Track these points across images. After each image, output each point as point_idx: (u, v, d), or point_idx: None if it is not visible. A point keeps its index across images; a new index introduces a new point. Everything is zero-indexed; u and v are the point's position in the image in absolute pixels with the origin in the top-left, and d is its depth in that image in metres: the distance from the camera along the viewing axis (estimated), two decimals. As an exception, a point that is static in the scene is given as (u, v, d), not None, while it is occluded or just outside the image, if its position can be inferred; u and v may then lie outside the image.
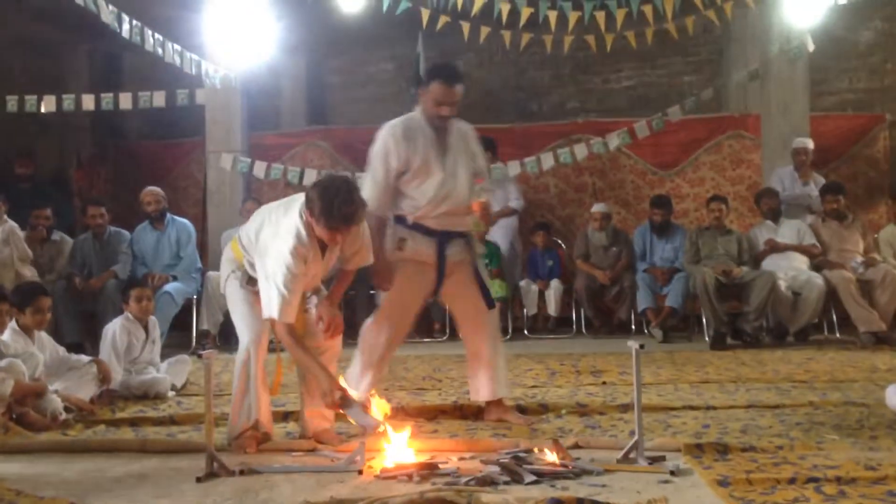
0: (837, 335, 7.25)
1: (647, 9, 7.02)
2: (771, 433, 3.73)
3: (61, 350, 4.91)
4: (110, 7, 6.24)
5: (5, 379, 4.08)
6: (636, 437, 3.25)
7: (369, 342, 4.19)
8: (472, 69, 10.37)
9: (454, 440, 3.75)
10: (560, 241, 8.53)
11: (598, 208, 8.06)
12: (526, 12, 7.03)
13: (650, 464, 3.20)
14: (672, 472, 3.08)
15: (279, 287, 3.48)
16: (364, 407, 3.57)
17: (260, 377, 3.69)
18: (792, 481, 2.87)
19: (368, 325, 4.23)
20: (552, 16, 7.06)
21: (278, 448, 3.70)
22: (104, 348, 5.17)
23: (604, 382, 5.20)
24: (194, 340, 7.25)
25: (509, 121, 9.40)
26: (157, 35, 6.81)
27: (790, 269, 7.07)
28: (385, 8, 6.98)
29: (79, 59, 9.83)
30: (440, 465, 3.21)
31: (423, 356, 6.65)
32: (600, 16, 7.09)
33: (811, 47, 7.93)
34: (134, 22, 6.52)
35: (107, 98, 7.59)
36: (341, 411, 3.61)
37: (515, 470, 3.09)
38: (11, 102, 7.42)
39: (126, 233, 7.48)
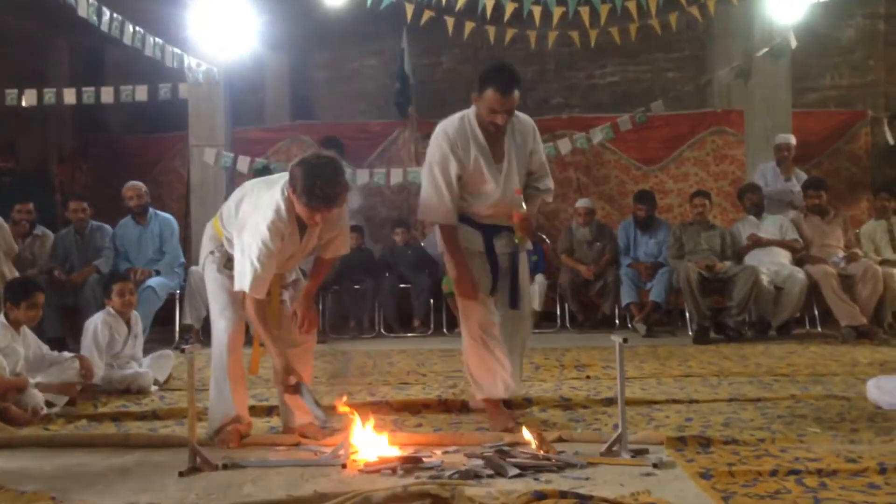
0: (819, 329, 7.31)
1: (631, 5, 7.04)
2: (753, 426, 3.75)
3: (45, 348, 4.86)
4: (89, 0, 6.19)
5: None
6: (619, 431, 3.27)
7: (475, 362, 3.97)
8: (456, 65, 10.38)
9: (438, 434, 3.75)
10: (544, 236, 8.54)
11: (582, 203, 8.09)
12: (510, 8, 7.04)
13: (633, 457, 3.22)
14: (655, 465, 3.10)
15: (253, 261, 3.44)
16: (314, 396, 3.55)
17: (236, 368, 3.67)
18: (773, 473, 2.90)
19: (466, 352, 4.03)
20: (536, 11, 7.06)
21: (262, 442, 3.69)
22: (85, 343, 5.12)
23: (588, 376, 5.23)
24: (177, 335, 7.21)
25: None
26: (137, 29, 6.77)
27: (772, 264, 7.12)
28: (369, 3, 6.97)
29: (60, 53, 9.76)
30: (424, 459, 3.22)
31: (407, 350, 6.66)
32: (584, 11, 7.10)
33: (794, 44, 8.00)
34: (114, 15, 6.47)
35: (88, 92, 7.53)
36: (293, 395, 3.58)
37: (499, 463, 3.10)
38: (-8, 96, 7.36)
39: (108, 227, 7.42)
